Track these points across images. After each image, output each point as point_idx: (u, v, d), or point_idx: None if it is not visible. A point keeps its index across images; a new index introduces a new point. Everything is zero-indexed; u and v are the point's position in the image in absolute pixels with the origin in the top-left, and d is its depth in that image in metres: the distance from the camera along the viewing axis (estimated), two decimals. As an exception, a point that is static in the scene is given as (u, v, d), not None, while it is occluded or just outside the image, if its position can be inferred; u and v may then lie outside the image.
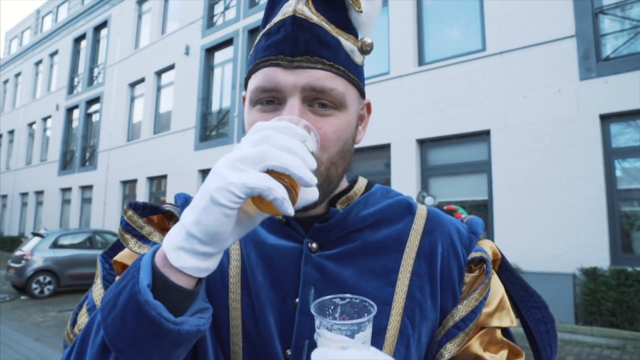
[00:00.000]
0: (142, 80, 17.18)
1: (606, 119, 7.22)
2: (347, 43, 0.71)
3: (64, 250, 11.28)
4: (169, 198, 14.63)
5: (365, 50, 0.73)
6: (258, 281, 0.72)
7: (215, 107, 14.38)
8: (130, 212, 0.74)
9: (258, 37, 0.73)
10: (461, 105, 8.65)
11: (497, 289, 0.77)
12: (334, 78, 0.69)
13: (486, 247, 0.79)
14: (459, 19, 9.42)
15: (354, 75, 0.73)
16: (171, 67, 15.88)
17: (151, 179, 16.00)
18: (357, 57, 0.74)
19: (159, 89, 16.57)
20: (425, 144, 9.21)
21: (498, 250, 0.82)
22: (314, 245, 0.72)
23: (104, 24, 20.18)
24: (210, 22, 14.76)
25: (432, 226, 0.77)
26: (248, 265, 0.73)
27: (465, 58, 8.79)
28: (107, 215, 17.44)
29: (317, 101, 0.68)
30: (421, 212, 0.80)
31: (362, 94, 0.78)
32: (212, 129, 14.10)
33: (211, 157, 13.47)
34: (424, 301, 0.72)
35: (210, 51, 14.52)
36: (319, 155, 0.67)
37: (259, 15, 12.94)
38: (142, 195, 15.91)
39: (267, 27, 0.70)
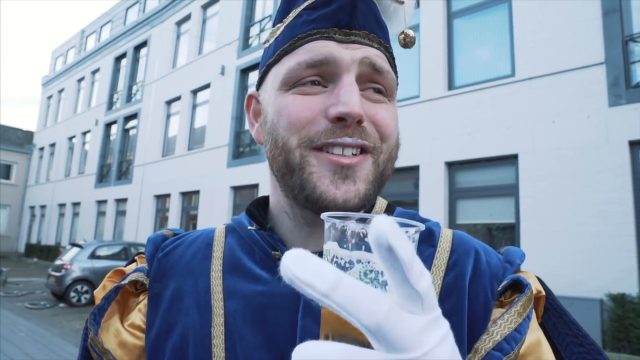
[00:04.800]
0: (178, 98, 17.85)
1: (636, 145, 7.26)
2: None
3: (101, 260, 11.77)
4: (201, 214, 15.07)
5: (407, 42, 0.65)
6: (247, 340, 0.58)
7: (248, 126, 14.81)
8: (92, 334, 0.61)
9: (292, 16, 0.62)
10: (490, 129, 8.79)
11: (532, 330, 0.58)
12: (387, 62, 0.62)
13: (527, 277, 0.63)
14: (488, 45, 9.61)
15: (395, 68, 0.66)
16: (207, 86, 16.48)
17: (184, 194, 16.50)
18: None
19: (194, 107, 17.18)
20: (453, 167, 9.36)
21: (543, 285, 0.63)
22: None
23: (143, 44, 21.09)
24: (245, 44, 15.32)
25: (458, 256, 0.64)
26: (233, 320, 0.60)
27: (495, 83, 8.96)
28: (140, 228, 18.01)
29: (371, 85, 0.60)
30: (444, 242, 0.66)
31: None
32: (245, 146, 14.53)
33: (243, 174, 13.87)
34: None
35: (245, 72, 15.04)
36: (378, 144, 0.60)
37: (293, 38, 13.37)
38: (174, 209, 16.41)
39: (309, 0, 0.60)
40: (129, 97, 21.38)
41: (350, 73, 0.57)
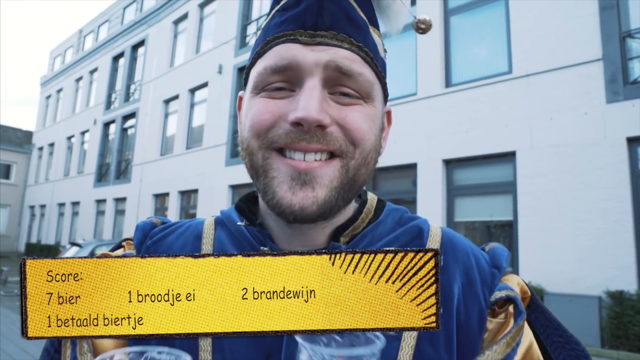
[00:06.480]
0: (176, 97, 17.81)
1: (634, 141, 7.23)
2: (373, 32, 0.62)
3: (100, 260, 11.76)
4: (200, 212, 15.05)
5: (422, 27, 0.62)
6: None
7: (245, 124, 14.79)
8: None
9: (269, 16, 0.62)
10: (487, 126, 8.76)
11: (525, 334, 0.62)
12: (361, 63, 0.58)
13: (513, 284, 0.64)
14: (485, 42, 9.57)
15: (381, 68, 0.63)
16: (204, 85, 16.44)
17: (182, 193, 16.48)
18: (382, 52, 0.64)
19: (192, 105, 17.15)
20: (451, 164, 9.34)
21: (527, 287, 0.66)
22: None
23: (141, 43, 21.03)
24: (243, 42, 15.27)
25: (447, 259, 0.64)
26: None
27: (492, 80, 8.93)
28: (140, 227, 17.98)
29: (339, 89, 0.58)
30: (433, 242, 0.65)
31: (386, 96, 0.66)
32: (243, 145, 14.51)
33: (241, 173, 13.75)
34: (437, 356, 0.58)
35: (242, 70, 14.99)
36: (349, 149, 0.57)
37: (290, 36, 13.32)
38: (173, 208, 16.39)
39: (282, 1, 0.59)
40: (127, 97, 21.33)
41: (313, 77, 0.56)
